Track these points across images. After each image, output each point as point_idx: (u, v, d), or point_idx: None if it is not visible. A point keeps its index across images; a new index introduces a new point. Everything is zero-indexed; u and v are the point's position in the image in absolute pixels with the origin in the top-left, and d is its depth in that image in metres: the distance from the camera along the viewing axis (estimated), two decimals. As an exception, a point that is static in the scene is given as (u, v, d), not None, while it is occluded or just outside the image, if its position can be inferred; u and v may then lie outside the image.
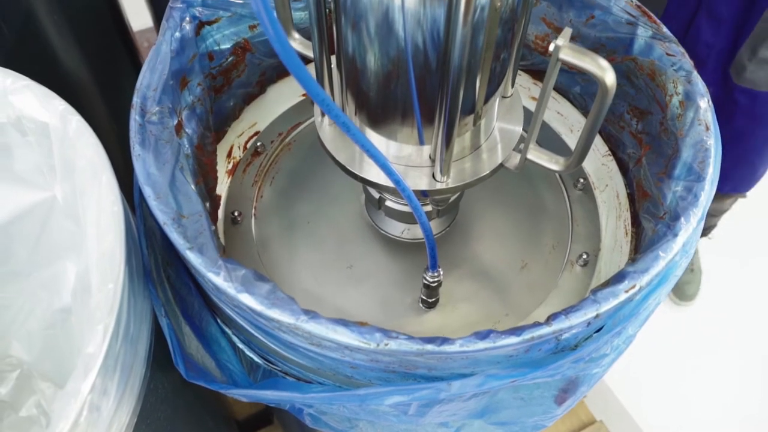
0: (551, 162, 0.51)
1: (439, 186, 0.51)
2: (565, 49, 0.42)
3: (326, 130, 0.55)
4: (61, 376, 1.01)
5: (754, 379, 1.80)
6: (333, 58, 0.52)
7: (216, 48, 0.72)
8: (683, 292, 1.88)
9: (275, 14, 0.28)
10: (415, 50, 0.43)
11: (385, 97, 0.49)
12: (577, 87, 0.77)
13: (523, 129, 0.56)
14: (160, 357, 0.64)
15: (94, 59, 1.10)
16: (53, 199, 0.78)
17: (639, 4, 0.72)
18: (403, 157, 0.52)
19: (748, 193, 1.42)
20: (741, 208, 1.57)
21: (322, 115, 0.55)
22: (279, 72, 0.79)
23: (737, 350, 1.84)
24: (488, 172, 0.52)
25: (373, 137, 0.52)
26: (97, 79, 1.12)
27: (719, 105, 1.19)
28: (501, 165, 0.53)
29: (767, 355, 1.84)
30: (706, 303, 1.92)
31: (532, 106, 0.78)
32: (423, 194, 0.52)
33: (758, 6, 1.04)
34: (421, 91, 0.46)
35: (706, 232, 1.61)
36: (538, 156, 0.51)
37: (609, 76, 0.41)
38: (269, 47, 0.77)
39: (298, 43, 0.57)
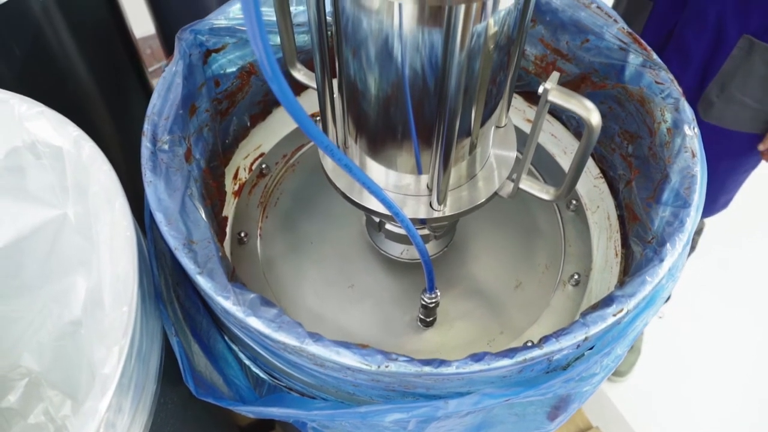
0: (542, 191, 0.54)
1: (436, 215, 0.53)
2: (553, 92, 0.44)
3: (328, 159, 0.58)
4: (70, 386, 1.03)
5: (752, 384, 1.82)
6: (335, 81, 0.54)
7: (222, 73, 0.75)
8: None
9: (280, 72, 0.30)
10: (412, 79, 0.45)
11: (385, 127, 0.51)
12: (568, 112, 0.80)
13: (517, 150, 0.58)
14: (169, 372, 0.67)
15: (99, 71, 1.12)
16: (64, 217, 0.80)
17: (630, 31, 0.75)
18: (401, 186, 0.54)
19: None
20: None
21: (326, 145, 0.57)
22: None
23: (733, 355, 1.86)
24: (484, 200, 0.55)
25: (373, 166, 0.55)
26: (101, 90, 1.15)
27: None
28: (495, 193, 0.55)
29: (762, 362, 1.86)
30: (705, 308, 1.94)
31: (526, 127, 0.81)
32: (421, 222, 0.55)
33: (725, 44, 1.06)
34: (419, 120, 0.49)
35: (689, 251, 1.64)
36: (530, 186, 0.54)
37: (594, 117, 0.44)
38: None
39: (302, 74, 0.60)
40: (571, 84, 0.80)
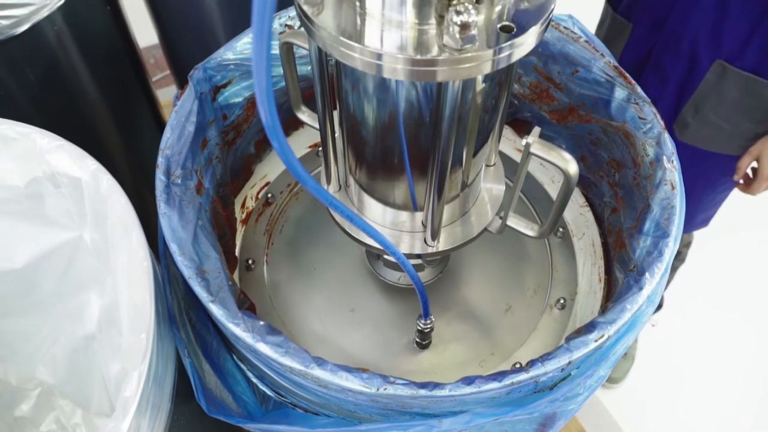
0: (527, 229, 0.58)
1: (430, 250, 0.58)
2: (535, 145, 0.49)
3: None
4: (82, 396, 1.08)
5: (745, 391, 1.85)
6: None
7: (228, 104, 0.79)
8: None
9: (290, 149, 0.35)
10: (407, 127, 0.49)
11: (382, 169, 0.56)
12: (560, 139, 0.84)
13: (507, 180, 0.63)
14: (180, 390, 0.71)
15: (108, 89, 1.17)
16: (80, 238, 0.84)
17: (616, 65, 0.79)
18: (398, 223, 0.59)
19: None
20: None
21: (328, 183, 0.62)
22: (286, 126, 0.86)
23: (726, 362, 1.90)
24: (474, 236, 0.59)
25: (371, 203, 0.59)
26: (110, 107, 1.19)
27: None
28: (486, 229, 0.60)
29: (755, 368, 1.90)
30: (697, 315, 1.99)
31: (517, 157, 0.86)
32: (416, 256, 0.59)
33: (699, 68, 1.11)
34: (414, 163, 0.53)
35: (677, 263, 1.69)
36: (516, 223, 0.59)
37: (572, 167, 0.49)
38: (280, 97, 0.84)
39: (306, 116, 0.64)
40: (561, 113, 0.85)
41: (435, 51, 0.39)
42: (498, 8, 0.41)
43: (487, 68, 0.40)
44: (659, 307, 1.89)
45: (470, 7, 0.36)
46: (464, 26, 0.37)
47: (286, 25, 0.83)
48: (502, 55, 0.40)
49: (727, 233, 1.97)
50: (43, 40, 0.98)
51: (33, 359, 1.03)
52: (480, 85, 0.48)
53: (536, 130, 0.49)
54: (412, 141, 0.51)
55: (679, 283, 1.78)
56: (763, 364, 1.89)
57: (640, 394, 1.83)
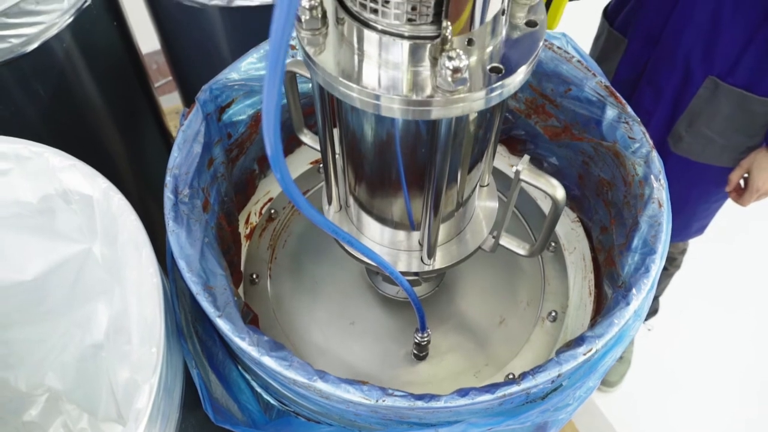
0: (519, 248, 0.61)
1: (426, 268, 0.61)
2: (525, 172, 0.52)
3: (332, 211, 0.65)
4: (89, 402, 1.11)
5: (740, 395, 1.87)
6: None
7: (232, 123, 0.82)
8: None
9: (294, 184, 0.38)
10: (404, 155, 0.52)
11: (381, 192, 0.59)
12: (553, 157, 0.87)
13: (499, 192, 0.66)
14: (188, 399, 0.75)
15: (114, 101, 1.20)
16: (89, 251, 0.87)
17: (608, 84, 0.82)
18: (396, 242, 0.62)
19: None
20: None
21: (329, 203, 0.65)
22: (289, 141, 0.89)
23: (721, 365, 1.93)
24: (469, 254, 0.62)
25: (370, 223, 0.62)
26: (115, 117, 1.23)
27: None
28: (480, 247, 0.63)
29: (749, 372, 1.93)
30: (693, 320, 2.01)
31: (510, 172, 0.88)
32: (414, 274, 0.62)
33: (692, 83, 1.14)
34: (411, 185, 0.56)
35: (673, 270, 1.73)
36: (508, 242, 0.62)
37: (559, 193, 0.52)
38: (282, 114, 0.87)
39: (308, 138, 0.67)
40: (555, 129, 0.88)
41: (429, 91, 0.42)
42: (489, 49, 0.44)
43: (479, 106, 0.43)
44: (655, 312, 1.91)
45: (461, 53, 0.39)
46: (456, 70, 0.39)
47: (289, 45, 0.86)
48: (492, 94, 0.43)
49: (722, 240, 2.00)
50: (52, 57, 1.01)
51: (42, 366, 1.06)
52: (472, 119, 0.51)
53: (525, 158, 0.52)
54: (408, 166, 0.54)
55: (674, 289, 1.81)
56: (759, 368, 1.92)
57: (635, 398, 1.85)
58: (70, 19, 1.00)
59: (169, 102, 2.03)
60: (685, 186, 1.31)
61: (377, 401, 0.58)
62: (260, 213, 0.83)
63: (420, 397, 0.59)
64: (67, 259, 0.89)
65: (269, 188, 0.85)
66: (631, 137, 0.77)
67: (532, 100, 0.90)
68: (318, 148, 0.65)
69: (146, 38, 1.34)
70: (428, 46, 0.42)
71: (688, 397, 1.86)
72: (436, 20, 0.41)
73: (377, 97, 0.42)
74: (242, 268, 0.79)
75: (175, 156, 0.73)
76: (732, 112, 1.14)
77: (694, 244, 1.76)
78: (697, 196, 1.34)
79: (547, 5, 1.06)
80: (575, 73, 0.83)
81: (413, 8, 0.40)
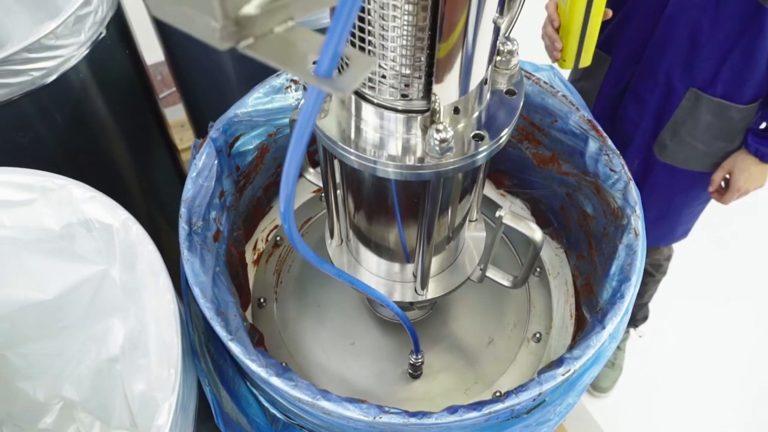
0: (504, 279, 0.68)
1: (419, 298, 0.67)
2: (507, 216, 0.58)
3: (333, 248, 0.71)
4: (103, 411, 1.17)
5: (731, 400, 1.91)
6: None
7: (240, 155, 0.88)
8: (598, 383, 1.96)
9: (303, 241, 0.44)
10: (400, 202, 0.59)
11: (378, 229, 0.65)
12: (538, 190, 0.93)
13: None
14: (201, 412, 0.81)
15: (125, 124, 1.26)
16: (106, 272, 0.93)
17: (590, 119, 0.88)
18: (391, 274, 0.68)
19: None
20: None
21: (331, 237, 0.71)
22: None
23: (712, 371, 1.97)
24: (458, 285, 0.68)
25: (368, 256, 0.69)
26: (128, 141, 1.29)
27: (644, 175, 1.38)
28: (468, 278, 0.69)
29: (740, 377, 1.98)
30: (683, 326, 2.07)
31: (494, 196, 0.94)
32: (409, 303, 0.68)
33: (674, 95, 1.22)
34: (405, 223, 0.62)
35: (659, 276, 1.79)
36: (494, 274, 0.68)
37: (537, 235, 0.58)
38: (285, 142, 0.93)
39: (312, 176, 0.73)
40: (544, 157, 0.94)
41: (420, 154, 0.48)
42: (474, 115, 0.51)
43: (464, 168, 0.49)
44: (645, 318, 1.98)
45: (448, 126, 0.46)
46: (443, 141, 0.46)
47: (291, 80, 0.92)
48: (476, 157, 0.49)
49: (706, 245, 2.06)
50: (70, 88, 1.07)
51: (60, 378, 1.12)
52: (459, 176, 0.57)
53: (506, 204, 0.58)
54: (402, 210, 0.60)
55: (662, 296, 1.87)
56: (750, 373, 1.96)
57: (627, 404, 1.90)
58: (87, 51, 1.06)
59: (174, 114, 2.08)
60: (671, 191, 1.39)
61: (374, 418, 0.65)
62: (266, 239, 0.89)
63: (413, 414, 0.65)
64: (85, 279, 0.95)
65: (275, 216, 0.91)
66: (612, 169, 0.83)
67: (523, 127, 0.96)
68: (320, 185, 0.72)
69: (151, 49, 1.38)
70: (419, 117, 0.48)
71: (678, 403, 1.91)
72: (426, 95, 0.47)
73: (374, 162, 0.48)
74: (251, 291, 0.85)
75: (189, 188, 0.79)
76: (712, 121, 1.22)
77: (678, 250, 1.82)
78: (682, 201, 1.42)
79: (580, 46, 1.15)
80: (560, 107, 0.90)
81: (406, 85, 0.47)
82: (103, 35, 1.08)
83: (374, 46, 0.43)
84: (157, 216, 1.44)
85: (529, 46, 1.18)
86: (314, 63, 0.26)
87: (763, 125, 1.26)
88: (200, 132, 1.69)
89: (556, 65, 1.09)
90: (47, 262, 0.93)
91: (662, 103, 1.26)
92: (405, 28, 0.41)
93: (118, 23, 1.15)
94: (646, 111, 1.29)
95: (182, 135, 2.00)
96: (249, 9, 0.26)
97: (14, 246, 0.89)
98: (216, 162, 0.80)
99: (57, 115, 1.09)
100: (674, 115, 1.25)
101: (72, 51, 1.03)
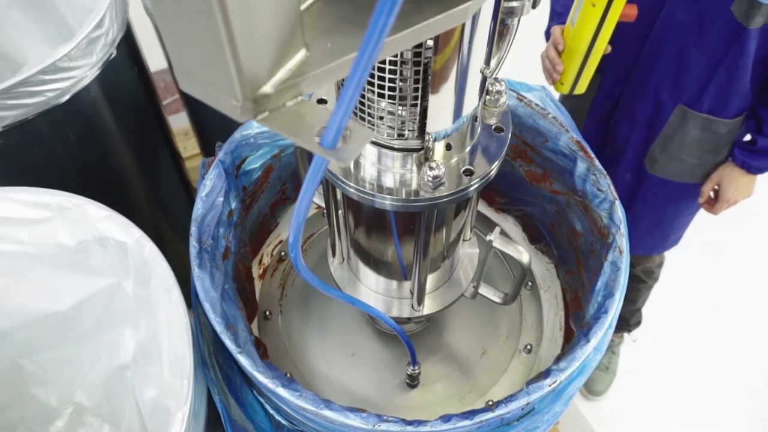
0: (495, 296, 0.72)
1: (416, 314, 0.72)
2: (497, 241, 0.63)
3: (335, 266, 0.76)
4: (113, 416, 1.21)
5: (724, 403, 1.95)
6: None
7: (246, 174, 0.93)
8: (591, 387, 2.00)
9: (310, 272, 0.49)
10: (397, 226, 0.63)
11: (377, 251, 0.70)
12: (529, 208, 0.98)
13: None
14: (210, 420, 0.85)
15: (134, 141, 1.31)
16: (118, 284, 0.98)
17: (579, 140, 0.93)
18: (389, 291, 0.73)
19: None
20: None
21: (333, 256, 0.76)
22: (296, 187, 1.00)
23: (705, 374, 2.01)
24: (452, 301, 0.73)
25: (368, 273, 0.73)
26: (136, 155, 1.33)
27: (636, 187, 1.43)
28: (462, 294, 0.74)
29: (733, 381, 2.03)
30: (676, 330, 2.11)
31: (485, 210, 0.99)
32: (406, 319, 0.73)
33: (663, 111, 1.27)
34: (403, 244, 0.67)
35: (651, 282, 1.83)
36: (486, 291, 0.72)
37: (525, 258, 0.63)
38: (289, 161, 0.97)
39: (316, 197, 0.78)
40: (536, 175, 0.98)
41: (414, 187, 0.53)
42: (466, 150, 0.55)
43: (457, 200, 0.54)
44: (638, 323, 2.02)
45: (441, 164, 0.50)
46: (436, 177, 0.50)
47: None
48: (468, 190, 0.54)
49: (699, 250, 2.10)
50: (82, 106, 1.12)
51: (72, 385, 1.17)
52: (452, 206, 0.62)
53: (497, 229, 0.63)
54: (399, 234, 0.65)
55: (655, 301, 1.91)
56: (744, 376, 2.00)
57: (621, 407, 1.94)
58: (98, 72, 1.10)
59: (178, 122, 2.12)
60: (663, 203, 1.45)
61: (374, 426, 0.69)
62: (272, 254, 0.93)
63: (410, 423, 0.70)
64: (98, 290, 0.99)
65: (279, 232, 0.96)
66: (599, 189, 0.88)
67: (516, 146, 1.01)
68: (323, 205, 0.76)
69: (154, 56, 1.41)
70: (414, 155, 0.52)
71: (671, 406, 1.94)
72: (420, 135, 0.52)
73: (372, 195, 0.52)
74: (258, 303, 0.89)
75: (199, 207, 0.84)
76: (700, 135, 1.28)
77: (670, 256, 1.86)
78: (673, 212, 1.48)
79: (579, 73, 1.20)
80: (550, 128, 0.94)
81: (402, 127, 0.51)
82: (113, 56, 1.13)
83: (373, 102, 0.48)
84: (163, 224, 1.49)
85: (522, 65, 1.23)
86: (319, 135, 0.31)
87: (747, 137, 1.31)
88: (204, 140, 1.73)
89: (550, 87, 1.14)
90: (62, 276, 0.98)
91: (652, 118, 1.31)
92: (400, 86, 0.46)
93: (128, 43, 1.20)
94: (636, 126, 1.34)
95: (186, 143, 2.05)
96: (266, 89, 0.31)
97: (31, 260, 0.94)
98: (224, 183, 0.85)
99: (70, 133, 1.14)
100: (663, 130, 1.31)
101: (84, 72, 1.08)
